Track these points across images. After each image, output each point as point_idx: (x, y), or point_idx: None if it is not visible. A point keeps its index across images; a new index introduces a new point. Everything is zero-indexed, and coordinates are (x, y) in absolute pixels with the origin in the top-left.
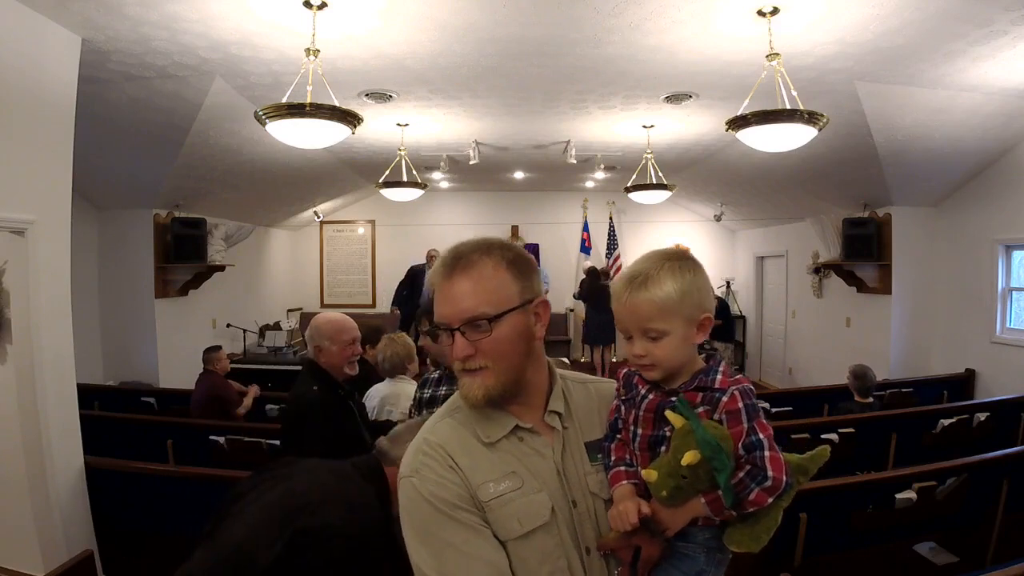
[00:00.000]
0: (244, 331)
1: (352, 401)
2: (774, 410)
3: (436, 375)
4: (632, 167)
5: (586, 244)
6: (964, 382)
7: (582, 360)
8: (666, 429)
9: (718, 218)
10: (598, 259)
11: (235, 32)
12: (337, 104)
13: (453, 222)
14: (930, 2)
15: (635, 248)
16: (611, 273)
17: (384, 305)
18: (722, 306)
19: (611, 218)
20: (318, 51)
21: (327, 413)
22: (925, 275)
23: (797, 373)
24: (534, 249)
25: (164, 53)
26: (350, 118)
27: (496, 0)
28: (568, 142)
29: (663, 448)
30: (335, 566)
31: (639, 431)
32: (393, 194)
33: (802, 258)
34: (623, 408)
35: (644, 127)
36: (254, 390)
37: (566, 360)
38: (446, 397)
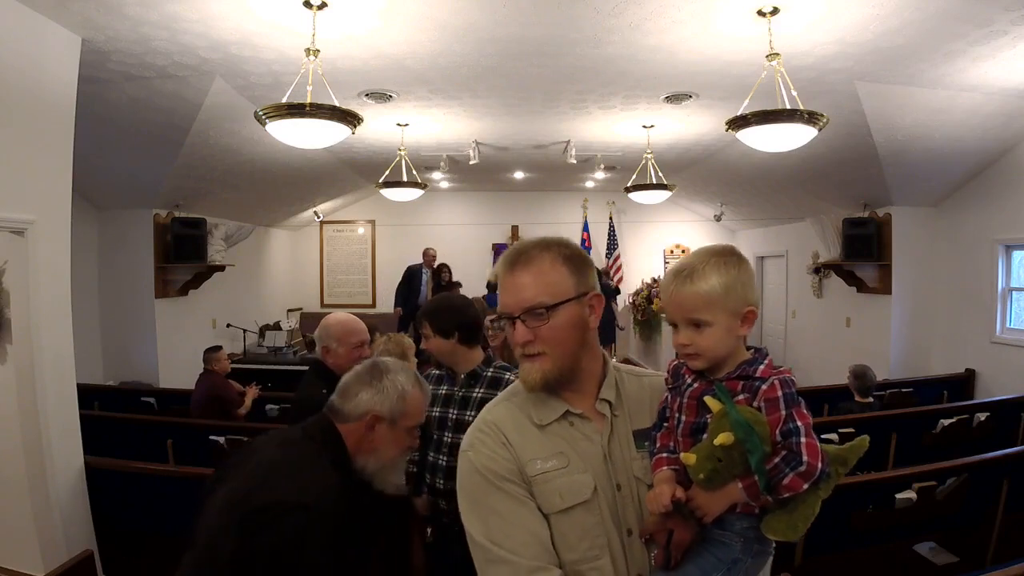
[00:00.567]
0: (244, 331)
1: None
2: None
3: (436, 375)
4: (632, 167)
5: (586, 244)
6: (964, 382)
7: None
8: (707, 416)
9: (718, 218)
10: (598, 259)
11: (235, 32)
12: (337, 104)
13: (453, 222)
14: (930, 2)
15: (635, 248)
16: (611, 273)
17: (384, 305)
18: None
19: (611, 218)
20: (318, 51)
21: None
22: (925, 275)
23: (797, 373)
24: None
25: (164, 53)
26: (350, 118)
27: (496, 0)
28: (568, 142)
29: (704, 435)
30: (294, 541)
31: (683, 418)
32: (393, 194)
33: (802, 258)
34: (670, 397)
35: (644, 127)
36: (254, 390)
37: (631, 357)
38: (446, 397)
